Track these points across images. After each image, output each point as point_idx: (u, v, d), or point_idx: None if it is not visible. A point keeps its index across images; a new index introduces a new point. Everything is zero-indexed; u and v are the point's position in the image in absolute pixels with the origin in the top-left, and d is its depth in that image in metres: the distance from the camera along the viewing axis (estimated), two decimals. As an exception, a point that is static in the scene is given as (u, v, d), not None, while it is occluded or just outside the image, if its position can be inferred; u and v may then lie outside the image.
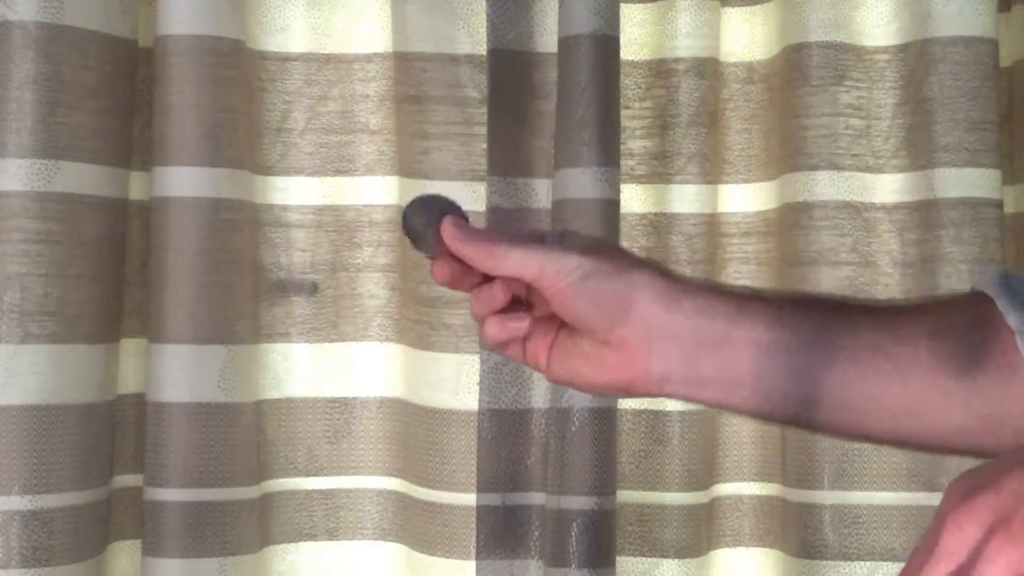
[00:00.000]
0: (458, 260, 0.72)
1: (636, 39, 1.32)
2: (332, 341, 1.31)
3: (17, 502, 1.11)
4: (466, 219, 0.73)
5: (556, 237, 0.74)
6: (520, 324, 0.74)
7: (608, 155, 1.21)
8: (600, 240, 0.75)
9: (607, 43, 1.22)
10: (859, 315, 0.72)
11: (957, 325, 0.70)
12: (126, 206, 1.21)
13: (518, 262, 0.71)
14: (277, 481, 1.29)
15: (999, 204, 1.26)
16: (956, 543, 0.50)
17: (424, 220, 0.72)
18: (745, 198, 1.35)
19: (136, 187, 1.23)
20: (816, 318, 0.72)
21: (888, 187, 1.29)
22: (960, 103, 1.26)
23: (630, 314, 0.71)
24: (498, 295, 0.73)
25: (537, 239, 0.74)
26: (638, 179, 1.32)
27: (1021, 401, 0.68)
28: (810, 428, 0.74)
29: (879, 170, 1.30)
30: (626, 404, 1.29)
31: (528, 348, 0.75)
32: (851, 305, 0.75)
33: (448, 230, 0.71)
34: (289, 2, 1.30)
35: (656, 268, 0.73)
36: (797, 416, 0.72)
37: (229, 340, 1.21)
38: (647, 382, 0.72)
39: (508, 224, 1.25)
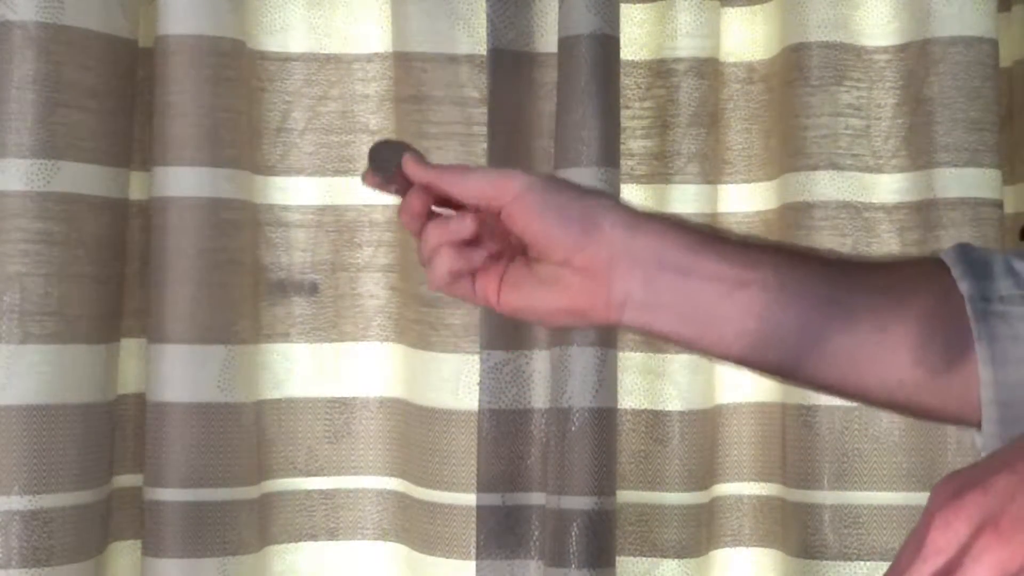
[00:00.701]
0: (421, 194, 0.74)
1: (636, 39, 1.32)
2: (332, 341, 1.31)
3: (17, 502, 1.11)
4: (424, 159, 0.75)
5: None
6: (478, 254, 0.73)
7: (608, 155, 1.21)
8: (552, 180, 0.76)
9: (607, 43, 1.22)
10: (828, 267, 0.73)
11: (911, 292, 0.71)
12: (126, 206, 1.21)
13: (481, 180, 0.72)
14: (277, 481, 1.29)
15: (999, 204, 1.26)
16: (944, 541, 0.50)
17: (388, 157, 0.76)
18: (745, 198, 1.35)
19: (136, 187, 1.23)
20: (780, 262, 0.71)
21: (888, 187, 1.29)
22: (960, 103, 1.26)
23: (595, 234, 0.71)
24: (467, 223, 0.73)
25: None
26: (638, 179, 1.32)
27: (971, 380, 0.69)
28: (759, 371, 0.74)
29: (879, 170, 1.30)
30: (626, 404, 1.29)
31: (477, 283, 0.74)
32: (820, 256, 0.75)
33: (411, 162, 0.74)
34: (289, 2, 1.30)
35: (620, 200, 0.74)
36: (745, 358, 0.72)
37: (229, 340, 1.21)
38: (606, 307, 0.72)
39: None
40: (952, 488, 0.51)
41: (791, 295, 0.70)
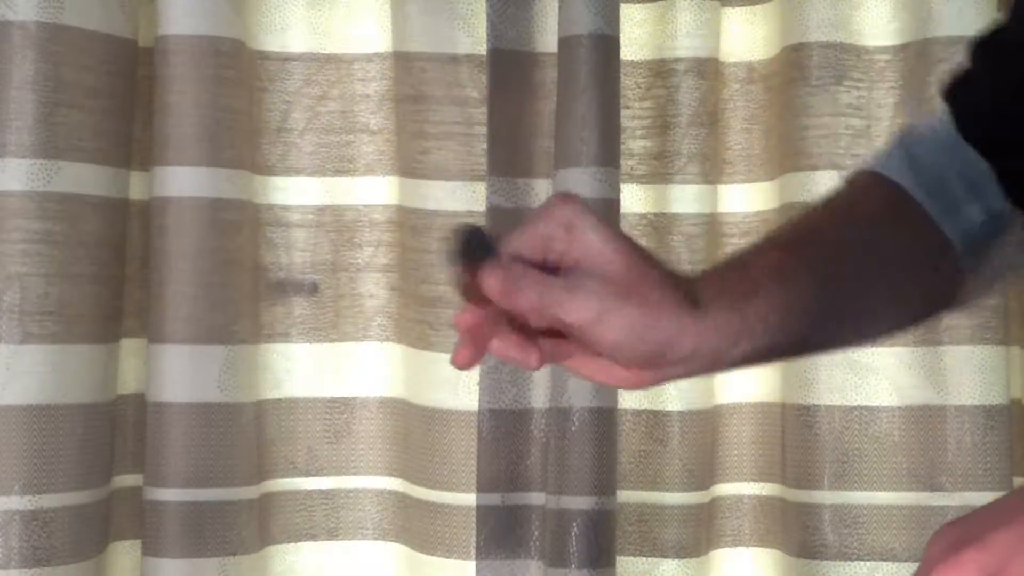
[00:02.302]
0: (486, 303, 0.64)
1: (636, 39, 1.32)
2: (332, 341, 1.31)
3: (17, 502, 1.11)
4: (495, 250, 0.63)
5: (551, 231, 0.64)
6: (528, 358, 0.68)
7: (608, 155, 1.21)
8: (635, 259, 0.65)
9: (607, 43, 1.22)
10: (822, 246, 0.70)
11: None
12: (126, 206, 1.21)
13: (577, 310, 0.63)
14: (277, 481, 1.29)
15: (999, 204, 1.26)
16: None
17: (477, 247, 0.62)
18: (745, 198, 1.35)
19: (136, 187, 1.23)
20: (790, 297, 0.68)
21: (888, 187, 1.29)
22: (960, 103, 1.25)
23: (666, 358, 0.65)
24: (532, 359, 0.67)
25: (537, 242, 0.64)
26: (638, 179, 1.32)
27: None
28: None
29: (879, 170, 1.29)
30: (626, 404, 1.29)
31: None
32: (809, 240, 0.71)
33: (493, 283, 0.62)
34: (289, 2, 1.30)
35: (684, 288, 0.66)
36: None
37: (229, 340, 1.21)
38: (656, 385, 0.69)
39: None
40: (949, 541, 0.50)
41: (800, 313, 0.68)
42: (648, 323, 0.64)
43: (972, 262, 0.73)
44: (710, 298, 0.66)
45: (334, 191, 1.31)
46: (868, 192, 0.77)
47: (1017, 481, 1.28)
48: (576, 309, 0.63)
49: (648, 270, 0.64)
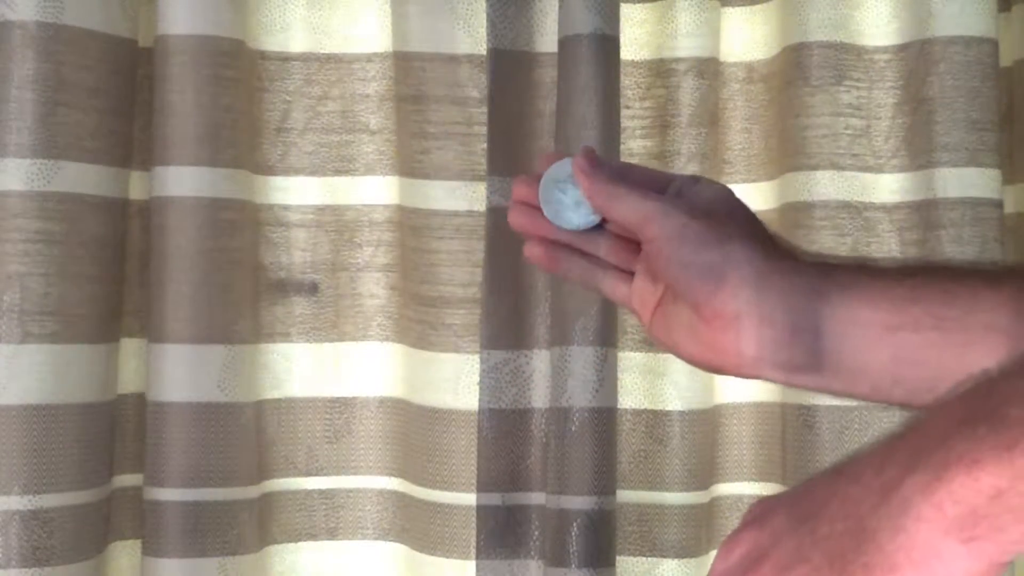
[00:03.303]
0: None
1: (636, 39, 1.32)
2: (332, 341, 1.31)
3: (17, 502, 1.11)
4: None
5: (685, 183, 0.73)
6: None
7: (608, 155, 1.21)
8: (720, 197, 0.72)
9: (607, 43, 1.22)
10: (981, 288, 0.66)
11: None
12: (126, 206, 1.21)
13: (629, 207, 0.70)
14: (277, 481, 1.29)
15: (999, 204, 1.26)
16: (720, 569, 0.50)
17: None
18: (745, 198, 1.34)
19: (136, 187, 1.23)
20: (934, 296, 0.66)
21: (888, 187, 1.29)
22: (960, 103, 1.26)
23: (721, 291, 0.67)
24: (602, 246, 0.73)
25: (664, 183, 0.73)
26: (638, 179, 1.32)
27: None
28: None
29: (879, 170, 1.30)
30: (626, 404, 1.29)
31: (636, 296, 0.73)
32: (970, 275, 0.68)
33: (581, 161, 0.72)
34: (289, 2, 1.30)
35: (759, 237, 0.69)
36: (912, 403, 0.67)
37: (229, 340, 1.21)
38: (739, 365, 0.68)
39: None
40: (747, 517, 0.51)
41: (949, 333, 0.65)
42: (701, 243, 0.69)
43: None
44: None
45: (334, 191, 1.31)
46: None
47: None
48: (632, 202, 0.71)
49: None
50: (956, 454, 0.43)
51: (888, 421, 1.27)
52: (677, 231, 0.68)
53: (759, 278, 0.67)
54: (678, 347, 0.71)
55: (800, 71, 1.29)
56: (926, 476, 0.43)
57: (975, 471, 0.42)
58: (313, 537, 1.31)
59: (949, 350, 0.65)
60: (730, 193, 0.73)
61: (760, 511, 0.51)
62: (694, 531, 1.30)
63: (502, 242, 1.23)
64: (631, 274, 0.74)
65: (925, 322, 0.65)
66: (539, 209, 0.74)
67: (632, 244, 0.73)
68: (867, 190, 1.29)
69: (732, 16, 1.35)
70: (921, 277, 0.67)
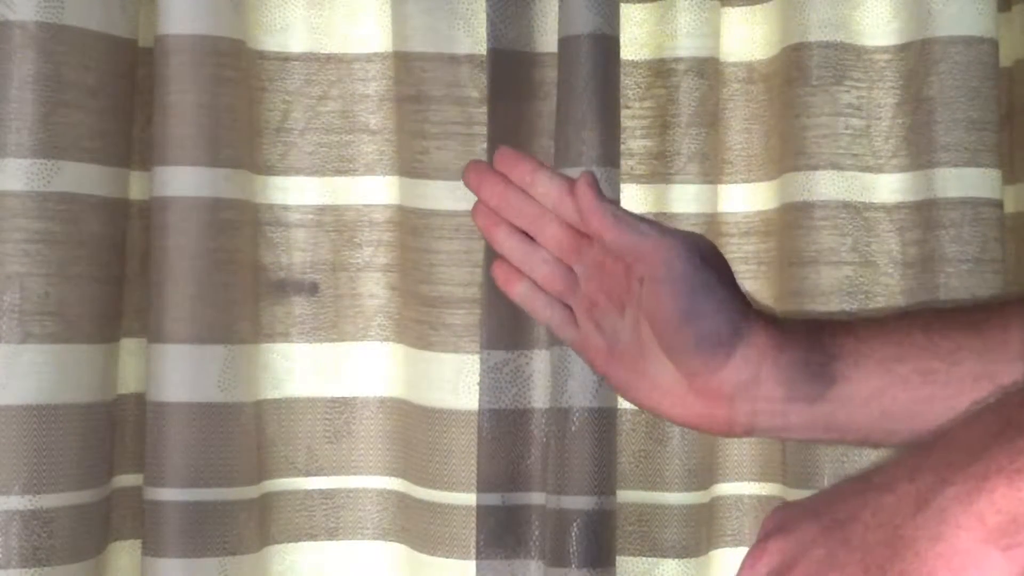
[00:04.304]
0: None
1: (636, 39, 1.32)
2: (332, 341, 1.31)
3: (17, 502, 1.11)
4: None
5: (677, 230, 0.70)
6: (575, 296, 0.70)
7: (608, 155, 1.21)
8: (714, 249, 0.69)
9: (607, 43, 1.22)
10: (965, 337, 0.67)
11: None
12: (126, 206, 1.21)
13: (636, 232, 0.67)
14: (277, 481, 1.29)
15: (999, 204, 1.26)
16: None
17: None
18: (745, 198, 1.35)
19: (136, 187, 1.23)
20: (916, 351, 0.67)
21: (888, 187, 1.29)
22: (960, 103, 1.26)
23: (724, 368, 0.66)
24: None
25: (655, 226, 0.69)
26: (638, 179, 1.32)
27: None
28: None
29: (879, 170, 1.30)
30: (626, 404, 1.29)
31: (585, 337, 0.71)
32: (953, 322, 0.68)
33: (588, 176, 0.68)
34: (289, 2, 1.30)
35: (747, 300, 0.68)
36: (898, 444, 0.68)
37: (229, 340, 1.21)
38: (725, 430, 0.68)
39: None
40: (770, 525, 0.51)
41: (937, 387, 0.66)
42: (714, 299, 0.66)
43: None
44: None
45: (334, 191, 1.31)
46: None
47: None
48: (637, 228, 0.67)
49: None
50: (996, 465, 0.44)
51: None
52: (688, 274, 0.66)
53: (760, 355, 0.67)
54: (642, 403, 0.70)
55: (800, 71, 1.29)
56: (966, 486, 0.44)
57: (1017, 481, 0.43)
58: (313, 537, 1.31)
59: (939, 402, 0.66)
60: (717, 247, 0.70)
61: (785, 520, 0.50)
62: (694, 531, 1.30)
63: (502, 242, 1.23)
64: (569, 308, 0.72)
65: (913, 380, 0.66)
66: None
67: (571, 275, 0.71)
68: (867, 190, 1.29)
69: (732, 16, 1.35)
70: (906, 331, 0.68)
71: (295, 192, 1.30)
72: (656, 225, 0.68)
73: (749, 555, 0.50)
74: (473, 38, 1.28)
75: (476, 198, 0.74)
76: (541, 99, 1.28)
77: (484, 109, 1.26)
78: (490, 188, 0.73)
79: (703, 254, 0.67)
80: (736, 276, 0.69)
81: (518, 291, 0.74)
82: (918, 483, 0.46)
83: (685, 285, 0.66)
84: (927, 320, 0.69)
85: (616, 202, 0.69)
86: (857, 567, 0.46)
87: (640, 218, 0.68)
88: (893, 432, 0.68)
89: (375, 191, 1.31)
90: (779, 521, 0.50)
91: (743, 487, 1.34)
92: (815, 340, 0.68)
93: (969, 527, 0.44)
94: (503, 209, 0.73)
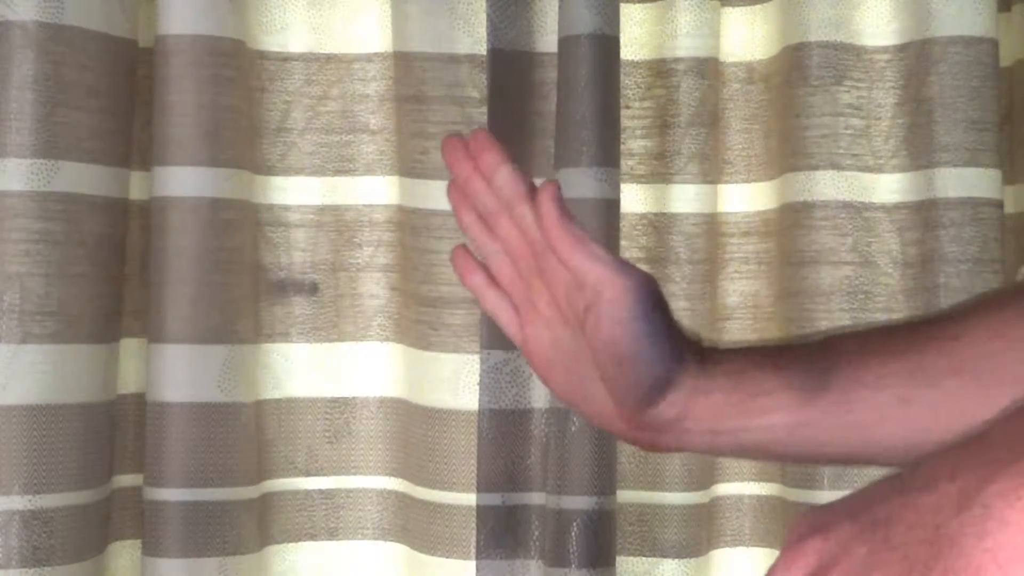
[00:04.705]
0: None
1: (636, 39, 1.32)
2: (332, 341, 1.31)
3: (17, 502, 1.11)
4: None
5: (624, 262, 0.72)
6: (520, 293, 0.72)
7: (608, 155, 1.21)
8: (657, 286, 0.72)
9: (607, 43, 1.22)
10: (937, 355, 0.69)
11: None
12: (126, 206, 1.21)
13: (596, 257, 0.68)
14: (277, 481, 1.29)
15: (999, 204, 1.26)
16: None
17: None
18: (745, 198, 1.35)
19: (136, 187, 1.23)
20: (845, 383, 0.69)
21: (888, 187, 1.29)
22: (960, 103, 1.26)
23: (657, 405, 0.69)
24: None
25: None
26: (638, 179, 1.32)
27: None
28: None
29: (879, 170, 1.30)
30: (626, 404, 1.29)
31: (532, 345, 0.73)
32: (924, 339, 0.70)
33: (553, 189, 0.69)
34: (289, 2, 1.30)
35: (694, 350, 0.70)
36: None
37: (229, 340, 1.21)
38: (651, 449, 0.71)
39: None
40: (803, 528, 0.51)
41: (861, 417, 0.68)
42: (657, 333, 0.67)
43: None
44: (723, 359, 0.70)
45: (334, 191, 1.31)
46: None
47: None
48: (598, 252, 0.68)
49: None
50: None
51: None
52: (636, 318, 0.67)
53: (687, 398, 0.69)
54: (586, 416, 0.73)
55: (800, 71, 1.29)
56: (1011, 483, 0.44)
57: None
58: (313, 537, 1.31)
59: (865, 428, 0.68)
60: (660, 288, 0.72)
61: (821, 521, 0.50)
62: (694, 531, 1.30)
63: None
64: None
65: (835, 411, 0.68)
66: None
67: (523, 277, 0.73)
68: (867, 190, 1.29)
69: (732, 16, 1.35)
70: (832, 361, 0.70)
71: (295, 192, 1.30)
72: (613, 258, 0.69)
73: (783, 557, 0.50)
74: (473, 38, 1.28)
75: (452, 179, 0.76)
76: (541, 99, 1.28)
77: (484, 109, 1.26)
78: (459, 168, 0.74)
79: (654, 299, 0.68)
80: (673, 316, 0.71)
81: (472, 280, 0.76)
82: (959, 482, 0.46)
83: (631, 329, 0.67)
84: (849, 348, 0.71)
85: (573, 218, 0.70)
86: (900, 566, 0.46)
87: (598, 247, 0.69)
88: (823, 455, 0.71)
89: (375, 191, 1.31)
90: (814, 522, 0.50)
91: (743, 487, 1.34)
92: (739, 377, 0.69)
93: (1016, 523, 0.44)
94: (467, 193, 0.74)
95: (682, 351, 0.69)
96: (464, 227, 0.75)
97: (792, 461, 0.72)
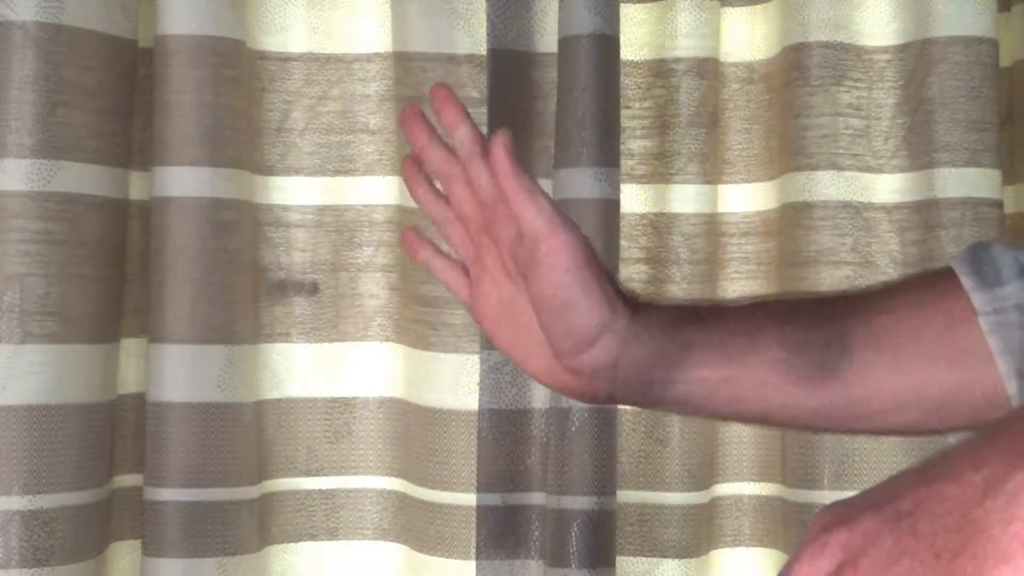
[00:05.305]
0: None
1: (636, 39, 1.32)
2: (332, 341, 1.31)
3: (17, 502, 1.11)
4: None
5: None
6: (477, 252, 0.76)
7: (608, 155, 1.21)
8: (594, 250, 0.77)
9: (607, 43, 1.22)
10: (827, 318, 0.73)
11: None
12: (126, 206, 1.21)
13: (545, 208, 0.71)
14: (277, 481, 1.29)
15: (999, 204, 1.26)
16: (809, 573, 0.50)
17: None
18: (745, 198, 1.35)
19: (136, 187, 1.23)
20: (773, 342, 0.73)
21: (888, 187, 1.29)
22: (960, 103, 1.26)
23: (591, 350, 0.72)
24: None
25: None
26: (638, 179, 1.32)
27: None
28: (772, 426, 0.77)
29: (879, 170, 1.30)
30: (627, 405, 1.29)
31: (481, 303, 0.76)
32: (819, 307, 0.75)
33: (506, 138, 0.71)
34: (289, 2, 1.30)
35: (627, 301, 0.74)
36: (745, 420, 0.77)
37: (229, 340, 1.21)
38: (589, 400, 0.75)
39: None
40: (826, 521, 0.51)
41: (781, 378, 0.72)
42: (593, 278, 0.71)
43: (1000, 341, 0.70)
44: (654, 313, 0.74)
45: (334, 191, 1.31)
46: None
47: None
48: (545, 199, 0.71)
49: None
50: None
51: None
52: (574, 269, 0.71)
53: (620, 344, 0.72)
54: (528, 369, 0.76)
55: (800, 71, 1.29)
56: None
57: None
58: (313, 537, 1.31)
59: (782, 390, 0.72)
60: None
61: (844, 513, 0.51)
62: (694, 531, 1.30)
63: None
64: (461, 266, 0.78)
65: (759, 368, 0.72)
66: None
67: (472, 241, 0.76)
68: (867, 190, 1.29)
69: (732, 16, 1.35)
70: (759, 322, 0.74)
71: (295, 192, 1.31)
72: (557, 214, 0.72)
73: (806, 550, 0.50)
74: (473, 38, 1.28)
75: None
76: (541, 99, 1.28)
77: (484, 109, 1.26)
78: (416, 136, 0.77)
79: (589, 253, 0.72)
80: (607, 271, 0.75)
81: (421, 256, 0.80)
82: (984, 472, 0.46)
83: (569, 278, 0.71)
84: (778, 310, 0.76)
85: (525, 170, 0.73)
86: (928, 553, 0.46)
87: (547, 198, 0.72)
88: (742, 413, 0.75)
89: (375, 191, 1.31)
90: (837, 515, 0.51)
91: (743, 487, 1.34)
92: (672, 330, 0.73)
93: None
94: (424, 159, 0.78)
95: (615, 302, 0.73)
96: (417, 198, 0.79)
97: (713, 417, 0.78)
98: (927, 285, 0.73)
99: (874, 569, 0.48)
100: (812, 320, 0.74)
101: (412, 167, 0.79)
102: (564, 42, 1.22)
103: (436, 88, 0.76)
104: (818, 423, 0.75)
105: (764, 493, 1.33)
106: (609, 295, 0.73)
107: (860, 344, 0.71)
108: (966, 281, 0.70)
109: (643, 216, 1.32)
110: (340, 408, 1.31)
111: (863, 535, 0.49)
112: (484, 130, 1.26)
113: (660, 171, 1.32)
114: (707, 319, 0.75)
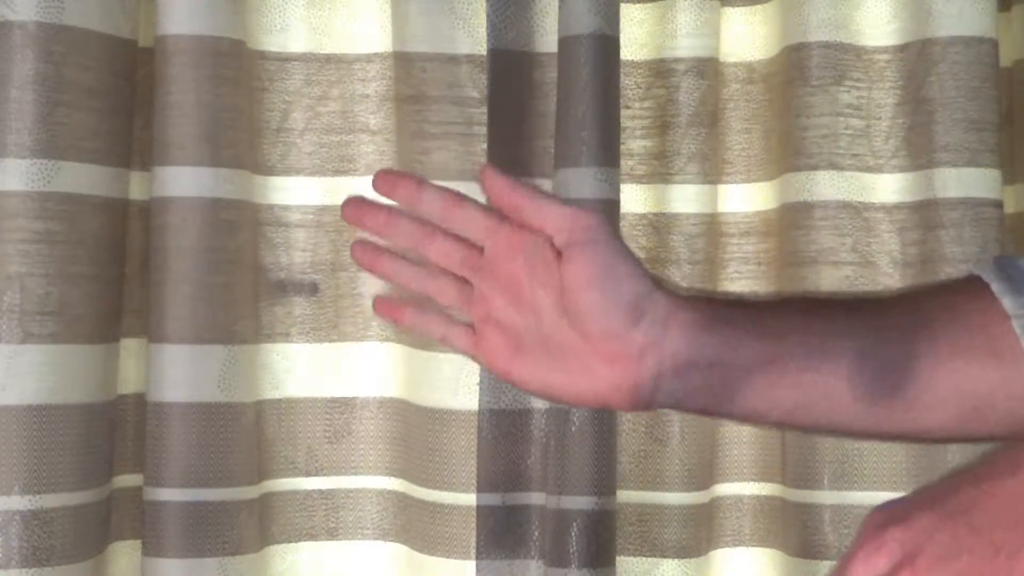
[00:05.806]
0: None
1: (636, 39, 1.32)
2: (332, 341, 1.31)
3: (17, 502, 1.11)
4: None
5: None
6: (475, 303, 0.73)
7: (608, 155, 1.21)
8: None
9: (607, 43, 1.22)
10: (858, 316, 0.71)
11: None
12: (126, 206, 1.21)
13: (556, 206, 0.69)
14: (277, 481, 1.29)
15: (999, 204, 1.26)
16: (864, 574, 0.50)
17: None
18: (745, 198, 1.35)
19: (136, 187, 1.23)
20: (810, 326, 0.70)
21: (888, 187, 1.29)
22: (960, 103, 1.26)
23: (641, 322, 0.69)
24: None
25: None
26: (638, 179, 1.32)
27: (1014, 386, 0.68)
28: (811, 432, 0.73)
29: (879, 170, 1.30)
30: (626, 404, 1.29)
31: (482, 339, 0.73)
32: (851, 305, 0.73)
33: (489, 172, 0.70)
34: (289, 2, 1.30)
35: (660, 279, 0.72)
36: (791, 425, 0.72)
37: (229, 340, 1.21)
38: (630, 402, 0.70)
39: None
40: (880, 520, 0.51)
41: (821, 360, 0.69)
42: (631, 260, 0.69)
43: None
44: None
45: (334, 191, 1.31)
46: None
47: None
48: (555, 201, 0.69)
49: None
50: None
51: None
52: (608, 239, 0.69)
53: (667, 314, 0.69)
54: (552, 387, 0.72)
55: (800, 71, 1.29)
56: None
57: None
58: (313, 537, 1.31)
59: (822, 376, 0.69)
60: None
61: (898, 512, 0.51)
62: (694, 531, 1.30)
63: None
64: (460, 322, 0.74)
65: (797, 353, 0.69)
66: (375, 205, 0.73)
67: (462, 284, 0.73)
68: (867, 190, 1.29)
69: (732, 16, 1.35)
70: (790, 311, 0.71)
71: (295, 192, 1.30)
72: (566, 200, 0.70)
73: (862, 548, 0.50)
74: (473, 38, 1.28)
75: (355, 239, 0.75)
76: (541, 99, 1.28)
77: (484, 109, 1.26)
78: (373, 219, 0.74)
79: (615, 227, 0.70)
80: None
81: (407, 319, 0.76)
82: None
83: (607, 248, 0.68)
84: (809, 304, 0.73)
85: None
86: (986, 549, 0.46)
87: (550, 193, 0.71)
88: (778, 406, 0.70)
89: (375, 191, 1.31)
90: (891, 514, 0.51)
91: (743, 487, 1.34)
92: (711, 307, 0.71)
93: None
94: (392, 233, 0.74)
95: (649, 274, 0.71)
96: (389, 275, 0.75)
97: (738, 416, 0.73)
98: (955, 290, 0.71)
99: (932, 565, 0.48)
100: (877, 334, 0.70)
101: (365, 250, 0.75)
102: (564, 42, 1.22)
103: (379, 175, 0.73)
104: (872, 437, 0.74)
105: (764, 493, 1.33)
106: (642, 265, 0.71)
107: (903, 331, 0.69)
108: (996, 286, 0.69)
109: (643, 216, 1.32)
110: (340, 408, 1.31)
111: (920, 532, 0.49)
112: (484, 130, 1.26)
113: (660, 171, 1.32)
114: (743, 308, 0.73)
